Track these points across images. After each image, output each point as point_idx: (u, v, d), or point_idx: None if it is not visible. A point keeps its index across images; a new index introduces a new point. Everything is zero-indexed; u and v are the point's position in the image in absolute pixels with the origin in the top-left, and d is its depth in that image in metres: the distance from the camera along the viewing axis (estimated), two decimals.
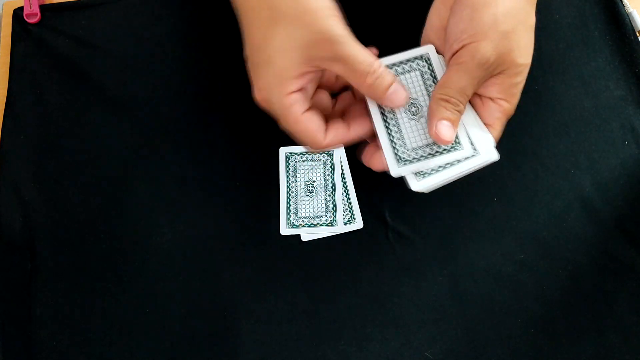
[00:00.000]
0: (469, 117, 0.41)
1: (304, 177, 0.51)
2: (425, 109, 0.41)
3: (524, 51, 0.39)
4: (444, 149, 0.40)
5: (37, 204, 0.53)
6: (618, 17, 0.56)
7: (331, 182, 0.50)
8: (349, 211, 0.51)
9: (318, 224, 0.49)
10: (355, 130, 0.40)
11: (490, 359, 0.47)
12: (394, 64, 0.42)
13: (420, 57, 0.42)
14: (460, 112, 0.39)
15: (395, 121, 0.41)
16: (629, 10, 0.56)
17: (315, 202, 0.50)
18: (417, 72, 0.41)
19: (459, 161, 0.40)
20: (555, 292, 0.49)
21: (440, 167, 0.41)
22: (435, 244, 0.50)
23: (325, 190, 0.51)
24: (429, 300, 0.49)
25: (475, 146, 0.40)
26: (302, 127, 0.38)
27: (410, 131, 0.41)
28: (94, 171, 0.54)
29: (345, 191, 0.51)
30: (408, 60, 0.42)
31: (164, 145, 0.55)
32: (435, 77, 0.42)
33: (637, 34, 0.55)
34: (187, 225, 0.52)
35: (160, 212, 0.52)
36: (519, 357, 0.47)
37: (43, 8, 0.60)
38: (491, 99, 0.40)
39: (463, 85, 0.38)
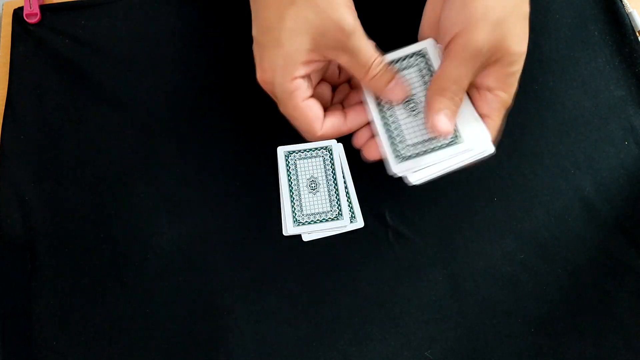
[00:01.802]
0: (465, 109, 0.40)
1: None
2: (423, 105, 0.41)
3: (518, 39, 0.38)
4: (443, 144, 0.40)
5: (37, 204, 0.53)
6: (618, 17, 0.56)
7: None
8: (350, 210, 0.51)
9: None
10: (351, 121, 0.40)
11: (490, 359, 0.47)
12: (393, 61, 0.42)
13: (419, 53, 0.42)
14: (457, 104, 0.39)
15: (395, 117, 0.41)
16: (629, 10, 0.56)
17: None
18: (415, 68, 0.41)
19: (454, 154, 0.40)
20: (555, 292, 0.49)
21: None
22: (435, 244, 0.50)
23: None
24: (429, 300, 0.49)
25: (472, 139, 0.40)
26: (300, 114, 0.38)
27: (410, 127, 0.41)
28: (94, 171, 0.54)
29: (345, 190, 0.51)
30: (407, 57, 0.42)
31: (164, 145, 0.55)
32: (433, 73, 0.41)
33: (637, 34, 0.55)
34: (187, 225, 0.52)
35: (160, 212, 0.52)
36: (519, 357, 0.47)
37: (43, 8, 0.60)
38: (488, 89, 0.40)
39: (458, 75, 0.37)
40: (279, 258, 0.51)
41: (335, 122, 0.40)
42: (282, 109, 0.39)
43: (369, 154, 0.42)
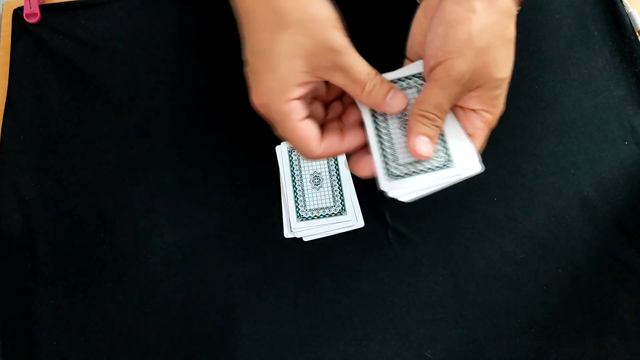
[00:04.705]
0: (454, 129, 0.40)
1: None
2: None
3: (501, 65, 0.39)
4: (435, 167, 0.40)
5: (37, 204, 0.53)
6: (618, 17, 0.56)
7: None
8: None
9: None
10: (349, 142, 0.41)
11: (490, 359, 0.47)
12: (392, 81, 0.41)
13: (419, 75, 0.41)
14: (439, 127, 0.39)
15: (389, 136, 0.41)
16: (629, 10, 0.56)
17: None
18: (414, 90, 0.41)
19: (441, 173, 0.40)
20: (555, 292, 0.49)
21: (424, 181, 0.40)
22: (435, 244, 0.50)
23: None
24: (429, 300, 0.49)
25: (462, 161, 0.40)
26: (298, 135, 0.38)
27: (403, 146, 0.40)
28: (94, 171, 0.54)
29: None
30: (406, 78, 0.42)
31: (164, 145, 0.55)
32: None
33: (637, 34, 0.55)
34: (187, 225, 0.52)
35: (160, 212, 0.52)
36: (519, 357, 0.47)
37: (43, 8, 0.60)
38: (472, 110, 0.40)
39: (440, 101, 0.38)
40: (279, 258, 0.51)
41: (333, 142, 0.40)
42: (279, 131, 0.39)
43: (360, 170, 0.42)
